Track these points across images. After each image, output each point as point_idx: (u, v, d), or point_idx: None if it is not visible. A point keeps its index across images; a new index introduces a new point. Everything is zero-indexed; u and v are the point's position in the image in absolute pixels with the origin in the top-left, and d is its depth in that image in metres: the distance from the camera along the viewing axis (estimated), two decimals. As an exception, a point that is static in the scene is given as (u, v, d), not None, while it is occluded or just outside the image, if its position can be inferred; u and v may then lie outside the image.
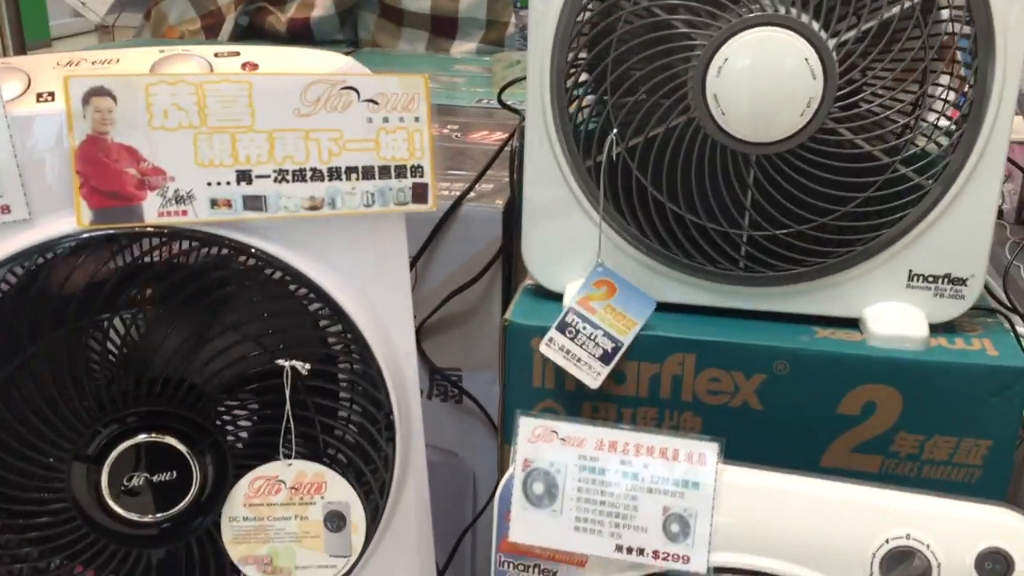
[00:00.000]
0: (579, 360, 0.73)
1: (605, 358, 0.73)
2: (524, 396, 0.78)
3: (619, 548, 0.63)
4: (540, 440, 0.65)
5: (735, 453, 0.63)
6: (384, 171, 0.63)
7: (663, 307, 0.77)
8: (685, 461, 0.62)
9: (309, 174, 0.62)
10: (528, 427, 0.65)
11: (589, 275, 0.76)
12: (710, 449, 0.62)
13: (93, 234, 0.58)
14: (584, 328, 0.74)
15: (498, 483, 0.97)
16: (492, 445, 0.98)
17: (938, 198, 0.71)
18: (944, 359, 0.72)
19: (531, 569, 0.66)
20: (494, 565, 0.66)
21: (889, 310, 0.74)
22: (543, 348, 0.74)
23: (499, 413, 0.95)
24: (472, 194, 0.92)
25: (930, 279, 0.73)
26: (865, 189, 0.71)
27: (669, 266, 0.76)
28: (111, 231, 0.58)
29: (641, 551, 0.63)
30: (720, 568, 0.62)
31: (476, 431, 0.97)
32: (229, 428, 0.64)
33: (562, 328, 0.74)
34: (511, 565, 0.66)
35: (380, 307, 0.66)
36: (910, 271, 0.74)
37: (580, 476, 0.64)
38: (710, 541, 0.62)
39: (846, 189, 0.71)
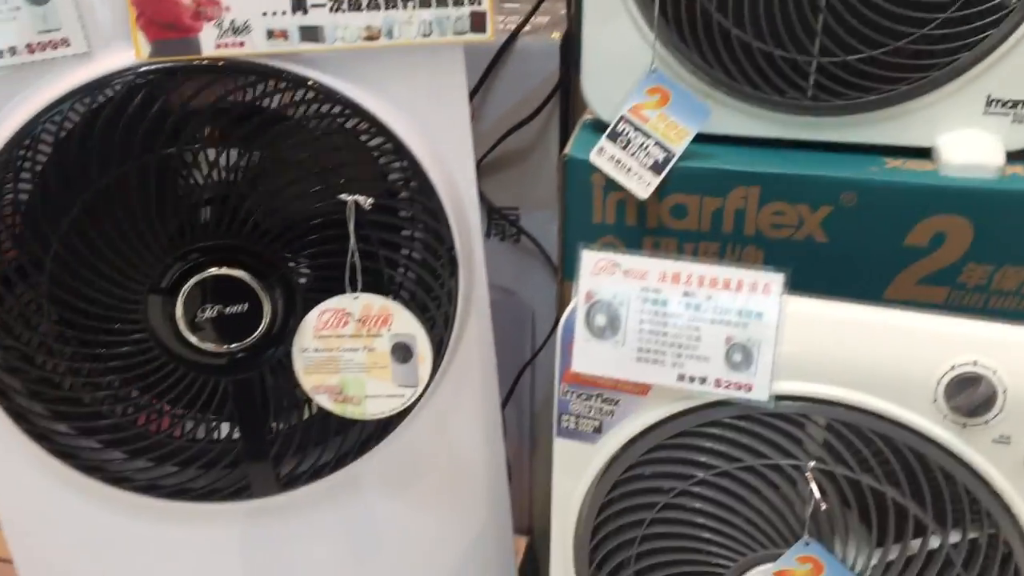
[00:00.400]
0: (629, 170, 0.72)
1: (656, 168, 0.72)
2: (584, 232, 0.78)
3: (681, 377, 0.64)
4: (603, 273, 0.65)
5: (798, 287, 0.62)
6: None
7: (725, 139, 0.75)
8: (749, 292, 0.62)
9: (365, 3, 0.60)
10: (591, 260, 0.65)
11: (642, 81, 0.73)
12: (775, 280, 0.62)
13: (152, 67, 0.58)
14: (635, 137, 0.72)
15: (557, 319, 0.98)
16: (550, 283, 0.98)
17: (1022, 18, 0.68)
18: (1019, 187, 0.70)
19: (593, 398, 0.67)
20: (557, 395, 0.68)
21: (964, 138, 0.72)
22: (593, 157, 0.73)
23: (558, 251, 0.95)
24: (527, 27, 0.89)
25: (1009, 104, 0.70)
26: (944, 9, 0.67)
27: (732, 96, 0.74)
28: (170, 64, 0.58)
29: (703, 380, 0.64)
30: (782, 396, 0.62)
31: (534, 269, 0.98)
32: (296, 263, 0.65)
33: (613, 137, 0.72)
34: (574, 395, 0.67)
35: (440, 141, 0.66)
36: (988, 96, 0.71)
37: (643, 308, 0.64)
38: (773, 370, 0.62)
39: (924, 10, 0.67)
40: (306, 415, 0.70)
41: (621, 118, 0.72)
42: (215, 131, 0.60)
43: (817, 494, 0.62)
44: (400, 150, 0.64)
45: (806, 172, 0.73)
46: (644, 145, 0.72)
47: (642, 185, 0.72)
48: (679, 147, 0.72)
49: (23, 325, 0.63)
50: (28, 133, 0.57)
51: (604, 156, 0.72)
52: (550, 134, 0.92)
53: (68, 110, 0.57)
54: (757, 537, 0.66)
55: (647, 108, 0.72)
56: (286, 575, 0.77)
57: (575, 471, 0.69)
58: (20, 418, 0.64)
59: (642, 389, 0.66)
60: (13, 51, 0.57)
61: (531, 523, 1.09)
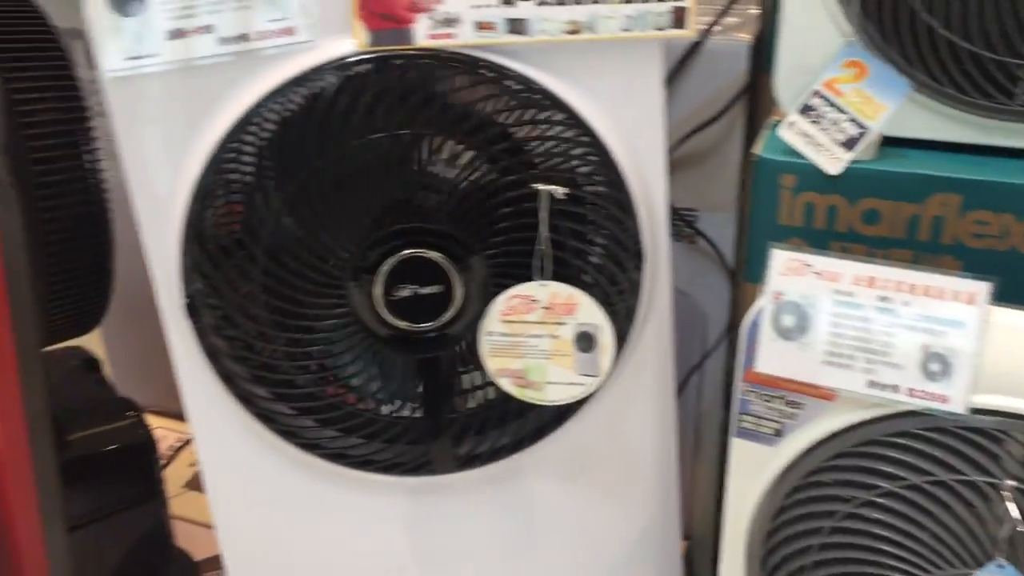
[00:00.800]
0: (819, 145, 0.70)
1: (848, 144, 0.70)
2: (769, 233, 0.77)
3: (871, 384, 0.62)
4: (793, 273, 0.64)
5: (999, 299, 0.60)
6: (643, -6, 0.62)
7: (926, 144, 0.73)
8: (951, 299, 0.60)
9: (570, -3, 0.62)
10: (781, 260, 0.64)
11: (838, 54, 0.71)
12: (980, 289, 0.60)
13: (369, 56, 0.61)
14: (828, 112, 0.70)
15: (730, 323, 0.97)
16: (724, 286, 0.97)
17: None
18: None
19: (775, 400, 0.66)
20: (737, 395, 0.67)
21: None
22: (782, 132, 0.71)
23: (735, 252, 0.94)
24: (717, 27, 0.88)
25: None
26: None
27: (936, 99, 0.71)
28: (385, 53, 0.61)
29: (895, 388, 0.62)
30: (980, 409, 0.60)
31: (709, 272, 0.97)
32: (488, 248, 0.67)
33: (804, 111, 0.71)
34: (755, 396, 0.67)
35: (633, 135, 0.66)
36: None
37: (834, 311, 0.63)
38: (972, 382, 0.60)
39: None
40: (487, 398, 0.71)
41: (814, 92, 0.70)
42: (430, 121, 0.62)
43: (1016, 514, 0.59)
44: (594, 143, 0.65)
45: (1012, 180, 0.69)
46: (836, 121, 0.70)
47: (832, 161, 0.70)
48: (875, 124, 0.69)
49: (243, 316, 0.67)
50: (255, 114, 0.61)
51: (794, 131, 0.71)
52: (733, 136, 0.92)
53: (291, 93, 0.61)
54: (944, 555, 0.63)
55: (842, 82, 0.70)
56: (450, 552, 0.79)
57: (752, 473, 0.69)
58: (228, 380, 0.68)
59: (828, 394, 0.64)
60: (244, 38, 0.61)
61: (688, 529, 1.08)
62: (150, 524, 0.95)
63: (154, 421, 1.33)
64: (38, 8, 0.78)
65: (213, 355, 0.68)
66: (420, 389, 0.70)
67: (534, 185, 0.64)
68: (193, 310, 0.67)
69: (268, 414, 0.70)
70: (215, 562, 1.09)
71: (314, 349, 0.68)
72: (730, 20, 0.91)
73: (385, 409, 0.72)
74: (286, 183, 0.63)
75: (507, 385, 0.69)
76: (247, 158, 0.64)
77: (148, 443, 0.92)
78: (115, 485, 0.92)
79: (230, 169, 0.63)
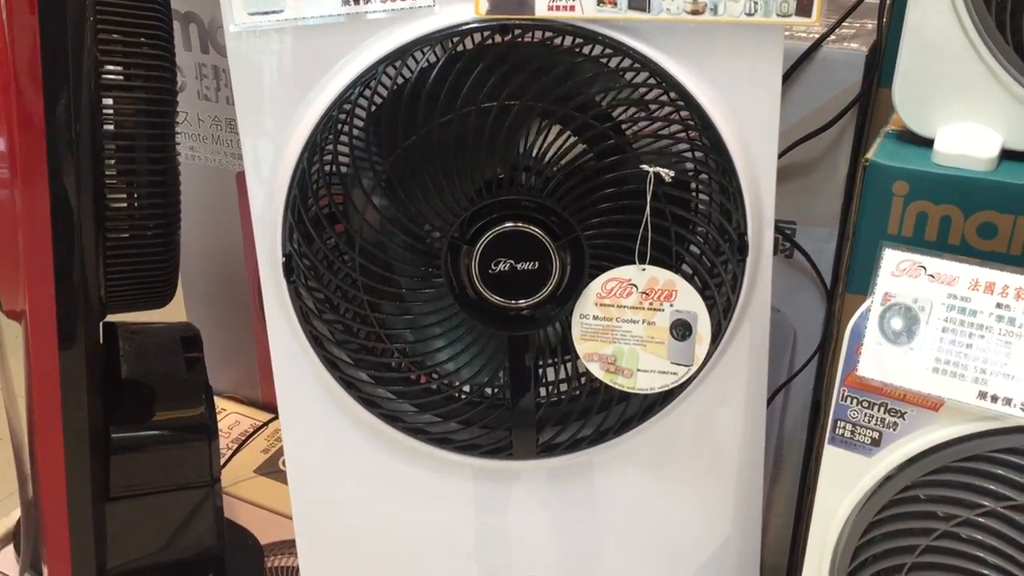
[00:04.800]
0: None
1: None
2: (876, 243, 0.74)
3: (982, 395, 0.59)
4: (905, 274, 0.62)
5: None
6: (770, -21, 0.61)
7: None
8: (1076, 310, 0.57)
9: (695, -23, 0.61)
10: (893, 260, 0.62)
11: None
12: (1110, 299, 0.57)
13: (486, 23, 0.61)
14: None
15: (823, 342, 0.95)
16: (817, 304, 0.95)
17: None
18: None
19: (876, 407, 0.64)
20: (836, 399, 0.65)
21: None
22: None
23: (833, 269, 0.92)
24: (832, 36, 0.87)
25: None
26: None
27: (1064, 113, 0.69)
28: (503, 21, 0.61)
29: (1008, 401, 0.59)
30: (1101, 430, 0.57)
31: (803, 288, 0.95)
32: (588, 229, 0.66)
33: None
34: (855, 400, 0.64)
35: (746, 123, 0.65)
36: None
37: (947, 315, 0.60)
38: (1095, 400, 0.56)
39: None
40: (575, 386, 0.70)
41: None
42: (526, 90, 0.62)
43: None
44: (707, 128, 0.63)
45: None
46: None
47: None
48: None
49: (341, 297, 0.67)
50: (369, 77, 0.61)
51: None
52: (840, 148, 0.89)
53: (407, 58, 0.62)
54: (1049, 583, 0.60)
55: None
56: (520, 542, 0.78)
57: (844, 484, 0.66)
58: (314, 341, 0.68)
59: (934, 404, 0.62)
60: (365, 0, 0.62)
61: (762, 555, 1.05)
62: (206, 506, 0.96)
63: (230, 407, 1.35)
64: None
65: (303, 315, 0.68)
66: (507, 369, 0.68)
67: (642, 166, 0.63)
68: (289, 269, 0.67)
69: (350, 380, 0.70)
70: (282, 546, 1.10)
71: (406, 318, 0.67)
72: (846, 31, 0.89)
73: (468, 389, 0.71)
74: (394, 148, 0.63)
75: (596, 369, 0.68)
76: (358, 121, 0.64)
77: (207, 427, 0.92)
78: (169, 464, 0.93)
79: (340, 131, 0.63)
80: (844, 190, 0.90)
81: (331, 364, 0.69)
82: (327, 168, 0.64)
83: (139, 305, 0.88)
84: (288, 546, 1.10)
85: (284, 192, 0.65)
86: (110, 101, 0.77)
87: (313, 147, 0.64)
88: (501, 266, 0.65)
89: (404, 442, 0.72)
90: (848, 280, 0.78)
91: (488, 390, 0.71)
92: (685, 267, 0.66)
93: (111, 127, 0.77)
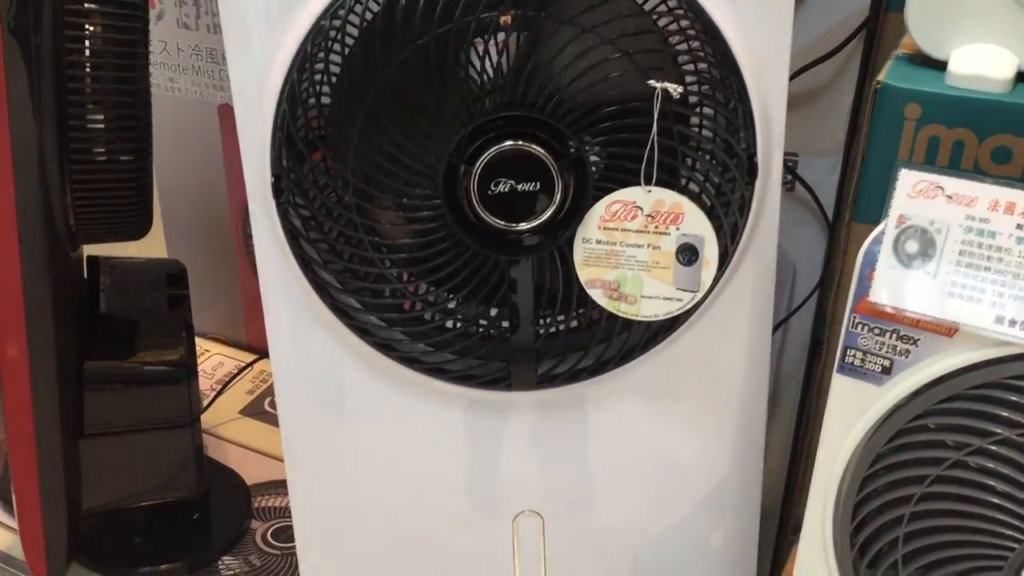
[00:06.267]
0: None
1: None
2: (887, 169, 0.72)
3: (999, 320, 0.57)
4: (921, 196, 0.59)
5: None
6: None
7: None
8: (1101, 230, 0.55)
9: None
10: (909, 181, 0.60)
11: None
12: None
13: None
14: None
15: (822, 277, 0.93)
16: (818, 239, 0.93)
17: None
18: None
19: (888, 334, 0.62)
20: (846, 326, 0.63)
21: None
22: None
23: (840, 194, 0.90)
24: (839, -42, 0.84)
25: None
26: None
27: (1084, 34, 0.66)
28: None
29: (1026, 325, 0.57)
30: (1122, 356, 0.55)
31: (804, 223, 0.93)
32: (592, 147, 0.63)
33: None
34: (866, 328, 0.62)
35: (757, 39, 0.62)
36: None
37: (964, 238, 0.58)
38: (1116, 324, 0.55)
39: None
40: (575, 316, 0.68)
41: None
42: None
43: None
44: (717, 42, 0.61)
45: None
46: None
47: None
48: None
49: (329, 217, 0.64)
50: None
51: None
52: (846, 76, 0.87)
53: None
54: (1063, 512, 0.59)
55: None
56: (518, 476, 0.76)
57: (852, 414, 0.64)
58: (304, 264, 0.65)
59: (948, 329, 0.60)
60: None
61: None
62: (185, 445, 0.93)
63: (214, 348, 1.33)
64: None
65: (292, 237, 0.65)
66: (509, 297, 0.66)
67: (649, 82, 0.60)
68: (278, 190, 0.64)
69: (342, 307, 0.67)
70: (269, 487, 1.08)
71: (403, 243, 0.65)
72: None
73: (463, 317, 0.69)
74: (390, 58, 0.59)
75: (599, 296, 0.65)
76: (351, 29, 0.61)
77: (186, 365, 0.89)
78: (146, 402, 0.91)
79: (333, 39, 0.60)
80: (849, 119, 0.87)
81: (320, 288, 0.66)
82: (318, 79, 0.61)
83: (112, 236, 0.85)
84: (276, 486, 1.08)
85: (272, 109, 0.62)
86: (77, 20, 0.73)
87: (304, 59, 0.60)
88: (501, 187, 0.62)
89: (398, 371, 0.70)
90: (855, 209, 0.76)
91: (483, 320, 0.68)
92: (692, 187, 0.64)
93: (77, 46, 0.73)
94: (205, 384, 1.24)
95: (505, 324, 0.67)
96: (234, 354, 1.32)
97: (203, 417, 0.99)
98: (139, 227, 0.85)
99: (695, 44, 0.61)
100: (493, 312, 0.68)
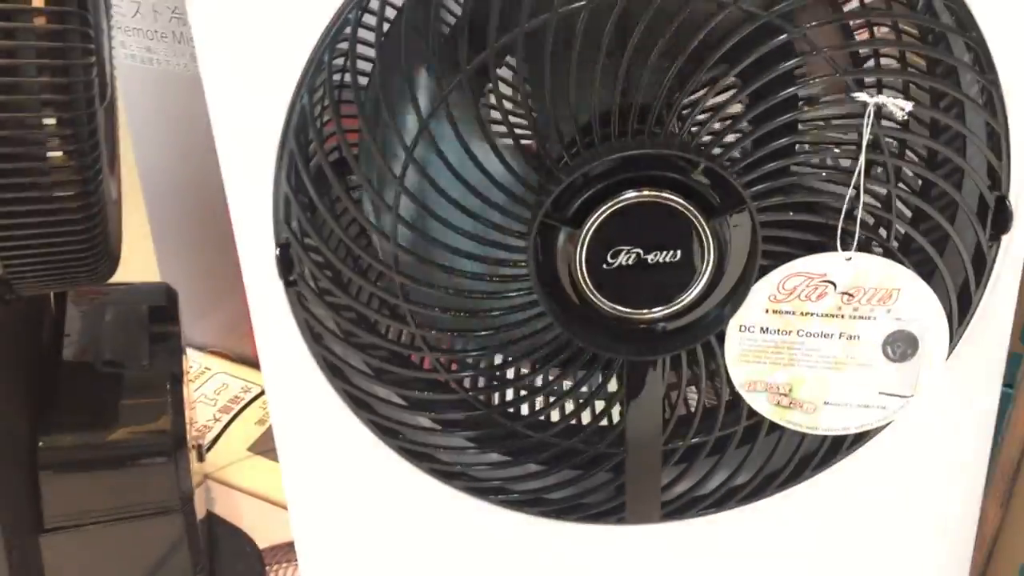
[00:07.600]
0: None
1: None
2: None
3: None
4: None
5: None
6: None
7: None
8: None
9: None
10: None
11: None
12: None
13: None
14: None
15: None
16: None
17: None
18: None
19: None
20: None
21: None
22: None
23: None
24: None
25: None
26: None
27: None
28: None
29: None
30: None
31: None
32: (756, 193, 0.42)
33: None
34: None
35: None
36: None
37: None
38: None
39: None
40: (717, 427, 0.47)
41: None
42: None
43: None
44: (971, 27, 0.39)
45: None
46: None
47: None
48: None
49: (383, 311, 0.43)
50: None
51: None
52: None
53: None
54: None
55: None
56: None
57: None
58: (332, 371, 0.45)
59: None
60: None
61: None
62: (175, 535, 0.74)
63: (216, 365, 1.13)
64: None
65: (313, 335, 0.44)
66: (626, 404, 0.45)
67: (855, 94, 0.38)
68: (287, 263, 0.43)
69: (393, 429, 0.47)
70: (286, 551, 0.90)
71: (479, 335, 0.44)
72: None
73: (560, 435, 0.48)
74: (454, 65, 0.38)
75: (761, 403, 0.45)
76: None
77: (173, 437, 0.70)
78: (120, 486, 0.72)
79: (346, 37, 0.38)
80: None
81: (364, 406, 0.46)
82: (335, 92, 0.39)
83: (61, 283, 0.64)
84: (294, 550, 0.89)
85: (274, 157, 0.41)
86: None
87: (318, 66, 0.39)
88: (623, 258, 0.41)
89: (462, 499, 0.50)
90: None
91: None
92: (912, 255, 0.43)
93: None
94: (207, 413, 1.05)
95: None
96: (239, 372, 1.12)
97: (207, 457, 0.80)
98: (96, 268, 0.64)
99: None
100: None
